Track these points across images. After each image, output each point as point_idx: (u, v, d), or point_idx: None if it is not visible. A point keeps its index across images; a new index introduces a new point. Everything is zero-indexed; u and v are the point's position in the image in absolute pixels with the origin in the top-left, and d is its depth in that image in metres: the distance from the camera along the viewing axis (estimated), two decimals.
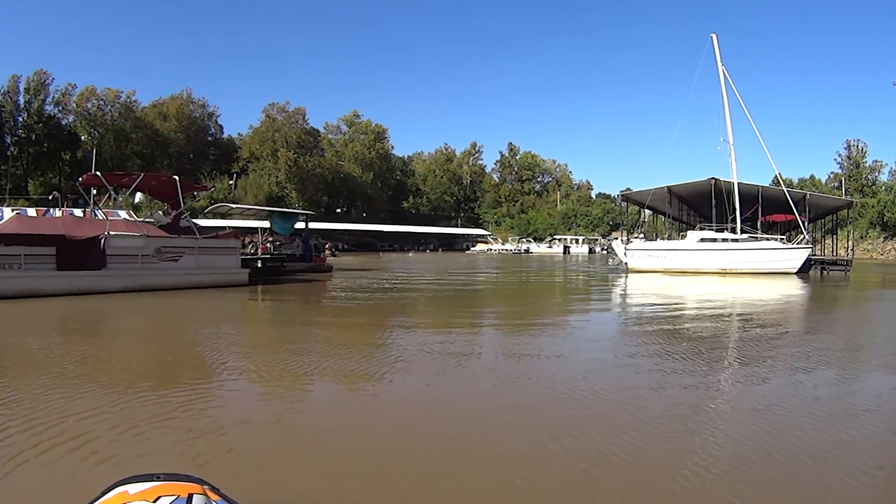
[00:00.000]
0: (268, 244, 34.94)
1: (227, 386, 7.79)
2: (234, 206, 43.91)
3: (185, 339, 12.21)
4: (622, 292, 26.04)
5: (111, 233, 20.27)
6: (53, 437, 5.31)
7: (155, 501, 1.84)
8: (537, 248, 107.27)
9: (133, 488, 1.90)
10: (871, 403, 6.85)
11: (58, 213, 25.07)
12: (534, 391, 7.46)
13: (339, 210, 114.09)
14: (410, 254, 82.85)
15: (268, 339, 12.10)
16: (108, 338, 12.23)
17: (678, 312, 18.02)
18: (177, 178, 23.67)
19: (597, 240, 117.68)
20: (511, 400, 7.00)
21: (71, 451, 4.98)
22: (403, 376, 8.15)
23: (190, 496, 1.90)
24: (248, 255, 29.06)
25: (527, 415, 6.29)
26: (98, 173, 22.98)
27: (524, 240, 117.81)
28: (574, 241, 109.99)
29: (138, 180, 23.06)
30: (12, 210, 28.59)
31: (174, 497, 1.86)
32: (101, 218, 23.17)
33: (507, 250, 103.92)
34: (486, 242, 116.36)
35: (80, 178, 24.48)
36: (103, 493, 1.94)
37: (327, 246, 73.05)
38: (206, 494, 1.96)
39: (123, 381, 7.76)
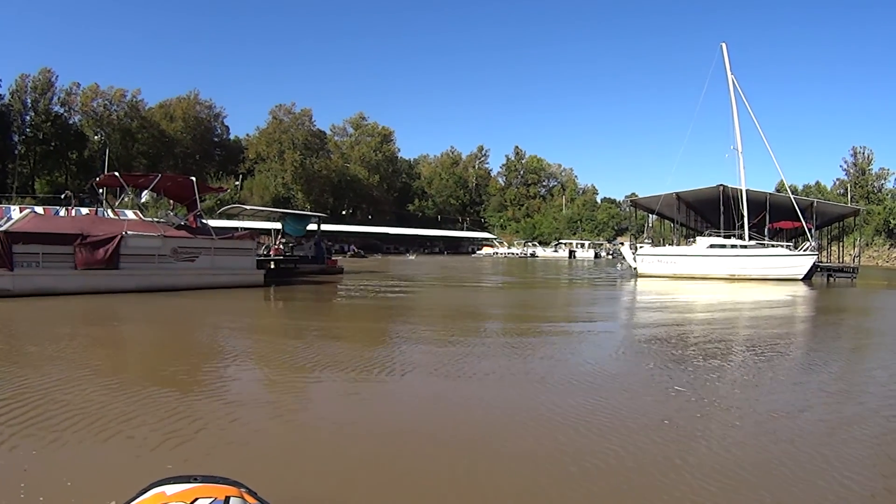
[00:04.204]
0: (280, 246, 35.00)
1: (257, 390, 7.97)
2: (246, 207, 44.01)
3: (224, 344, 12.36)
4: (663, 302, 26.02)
5: (129, 233, 20.38)
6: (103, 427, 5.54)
7: (192, 503, 1.87)
8: (543, 253, 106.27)
9: (171, 489, 1.92)
10: None
11: (63, 212, 25.15)
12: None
13: (344, 212, 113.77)
14: (415, 256, 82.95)
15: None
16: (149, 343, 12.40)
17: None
18: (193, 179, 23.79)
19: (602, 244, 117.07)
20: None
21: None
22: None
23: (227, 499, 1.91)
24: (260, 256, 29.08)
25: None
26: (116, 173, 23.04)
27: (530, 244, 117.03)
28: (580, 246, 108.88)
29: (155, 181, 23.13)
30: (20, 209, 28.68)
31: (211, 499, 1.88)
32: (114, 217, 23.30)
33: (512, 254, 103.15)
34: (492, 246, 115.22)
35: (98, 178, 24.53)
36: (141, 493, 1.96)
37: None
38: (242, 497, 1.98)
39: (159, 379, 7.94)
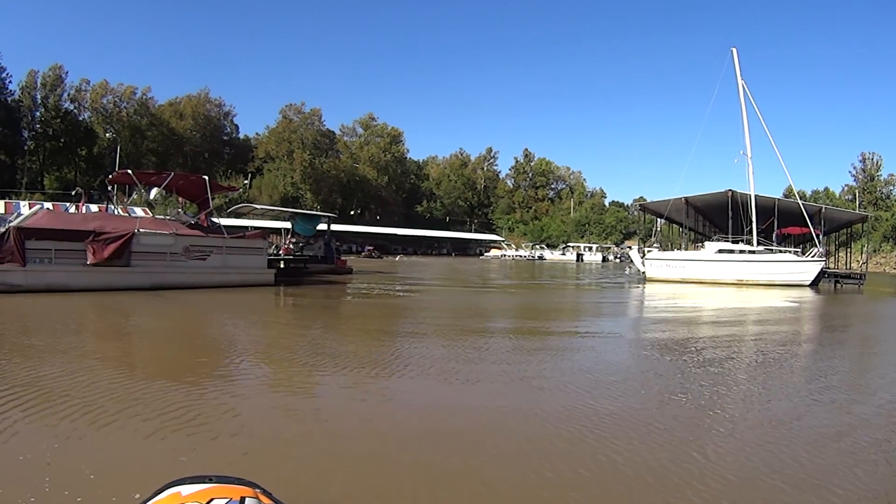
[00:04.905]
0: (290, 245, 35.07)
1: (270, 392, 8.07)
2: (257, 206, 44.03)
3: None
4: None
5: (141, 230, 20.50)
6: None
7: (207, 503, 1.88)
8: (551, 255, 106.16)
9: (186, 490, 1.92)
10: None
11: (73, 209, 25.27)
12: None
13: (352, 212, 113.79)
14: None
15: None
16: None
17: None
18: (206, 178, 23.88)
19: (610, 248, 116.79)
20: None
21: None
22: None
23: (242, 499, 1.91)
24: (271, 255, 29.09)
25: None
26: (129, 171, 23.11)
27: (538, 246, 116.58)
28: (587, 249, 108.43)
29: (168, 179, 23.25)
30: (29, 205, 28.81)
31: (227, 500, 1.88)
32: (126, 215, 23.38)
33: (520, 256, 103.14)
34: (500, 248, 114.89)
35: (111, 175, 24.63)
36: (156, 494, 1.96)
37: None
38: (258, 498, 1.97)
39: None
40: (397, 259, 76.90)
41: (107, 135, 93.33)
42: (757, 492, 4.60)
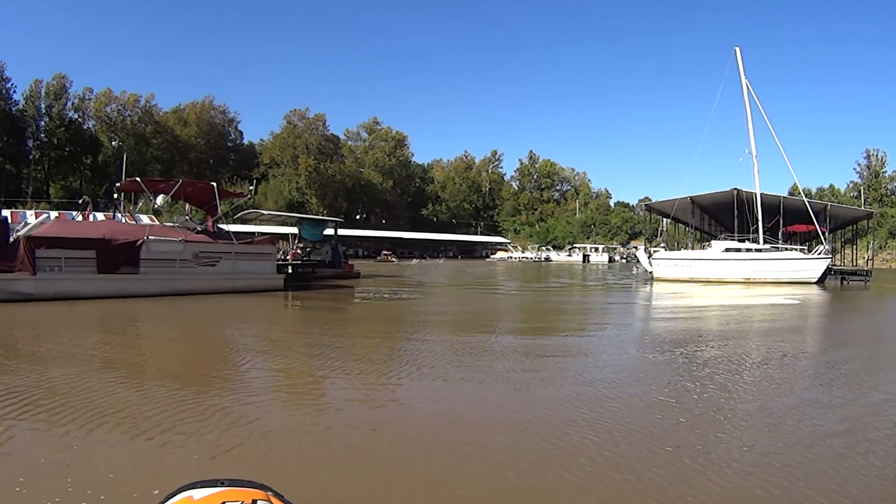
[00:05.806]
0: (298, 250, 35.18)
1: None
2: (264, 212, 44.24)
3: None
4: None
5: (150, 237, 20.59)
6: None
7: None
8: (557, 257, 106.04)
9: (198, 493, 1.90)
10: None
11: (80, 217, 25.37)
12: None
13: (358, 216, 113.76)
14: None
15: None
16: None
17: None
18: (214, 184, 23.99)
19: (616, 248, 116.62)
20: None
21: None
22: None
23: (254, 502, 1.89)
24: (279, 261, 29.16)
25: None
26: (138, 179, 23.21)
27: (543, 248, 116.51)
28: (594, 250, 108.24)
29: (177, 186, 23.34)
30: (35, 214, 28.89)
31: (238, 503, 1.86)
32: (134, 222, 23.49)
33: (526, 258, 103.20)
34: (506, 250, 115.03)
35: (119, 183, 24.74)
36: (168, 498, 1.93)
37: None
38: (269, 501, 1.95)
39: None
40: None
41: (112, 143, 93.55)
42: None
